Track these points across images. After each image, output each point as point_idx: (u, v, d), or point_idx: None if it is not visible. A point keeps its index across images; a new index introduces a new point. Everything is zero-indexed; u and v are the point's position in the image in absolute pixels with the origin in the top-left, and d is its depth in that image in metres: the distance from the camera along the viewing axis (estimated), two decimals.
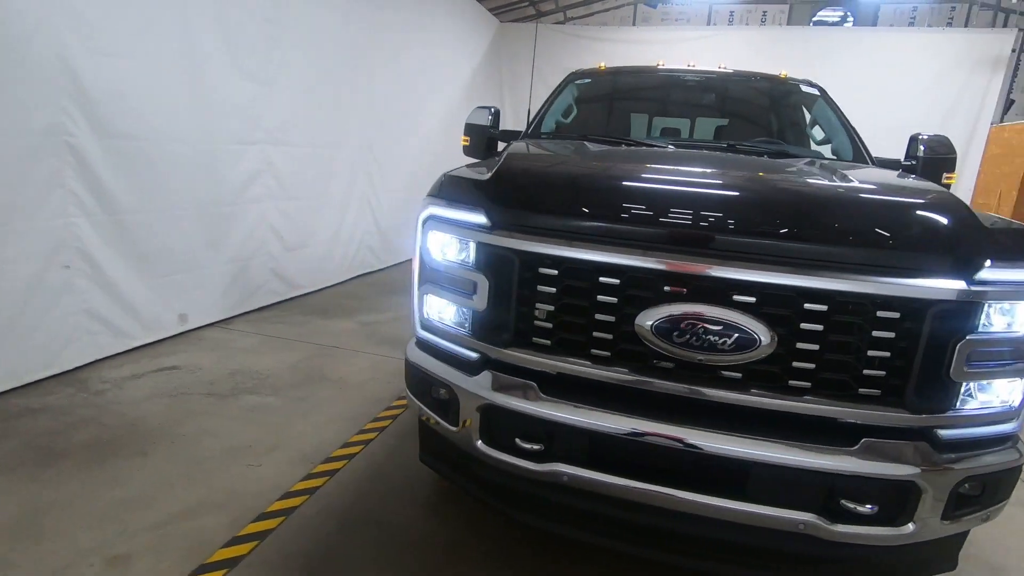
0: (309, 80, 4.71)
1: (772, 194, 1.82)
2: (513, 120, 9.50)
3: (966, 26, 10.26)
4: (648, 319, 1.47)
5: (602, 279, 1.52)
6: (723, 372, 1.50)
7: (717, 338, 1.43)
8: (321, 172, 5.10)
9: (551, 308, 1.60)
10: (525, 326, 1.64)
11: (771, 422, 1.51)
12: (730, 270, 1.41)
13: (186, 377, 3.22)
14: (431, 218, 1.81)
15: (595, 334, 1.56)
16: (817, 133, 3.04)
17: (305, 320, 4.38)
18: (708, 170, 2.06)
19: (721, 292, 1.43)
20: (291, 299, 4.86)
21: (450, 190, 1.84)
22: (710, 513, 1.52)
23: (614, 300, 1.53)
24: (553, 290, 1.58)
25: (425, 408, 1.90)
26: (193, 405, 2.91)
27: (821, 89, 3.10)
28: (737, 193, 1.76)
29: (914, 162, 2.72)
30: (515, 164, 2.07)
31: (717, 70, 3.29)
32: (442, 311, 1.84)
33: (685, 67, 3.34)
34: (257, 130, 4.25)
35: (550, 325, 1.61)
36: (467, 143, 3.25)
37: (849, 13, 10.74)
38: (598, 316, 1.55)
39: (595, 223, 1.55)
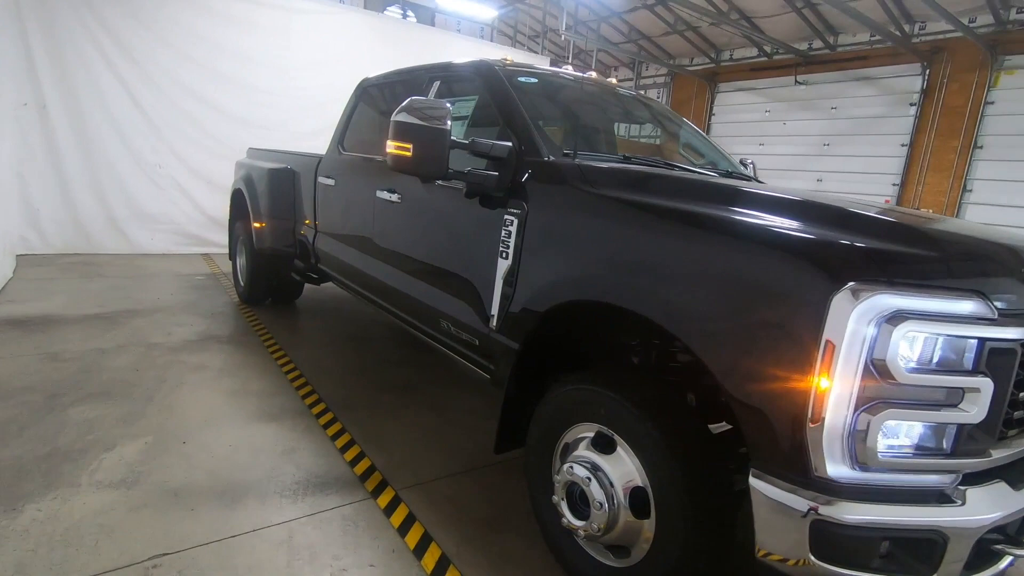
0: None
1: None
2: (62, 96, 6.08)
3: (492, 40, 12.89)
4: None
5: None
6: None
7: None
8: None
9: None
10: (1006, 422, 1.40)
11: None
12: None
13: None
14: (900, 315, 1.23)
15: None
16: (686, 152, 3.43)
17: None
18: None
19: None
20: None
21: (913, 268, 1.29)
22: None
23: None
24: None
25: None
26: None
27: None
28: None
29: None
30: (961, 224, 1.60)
31: (619, 85, 3.21)
32: (898, 435, 1.31)
33: (587, 75, 3.10)
34: None
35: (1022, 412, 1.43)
36: (408, 153, 2.18)
37: (412, 13, 11.75)
38: None
39: None
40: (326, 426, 2.94)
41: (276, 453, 2.64)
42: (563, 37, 8.76)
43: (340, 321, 4.94)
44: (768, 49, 10.24)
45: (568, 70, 3.03)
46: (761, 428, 1.40)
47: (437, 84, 2.96)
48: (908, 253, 1.34)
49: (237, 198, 5.05)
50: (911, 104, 8.62)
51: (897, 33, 8.19)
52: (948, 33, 8.19)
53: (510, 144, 2.26)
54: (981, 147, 7.96)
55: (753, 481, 1.40)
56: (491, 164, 2.29)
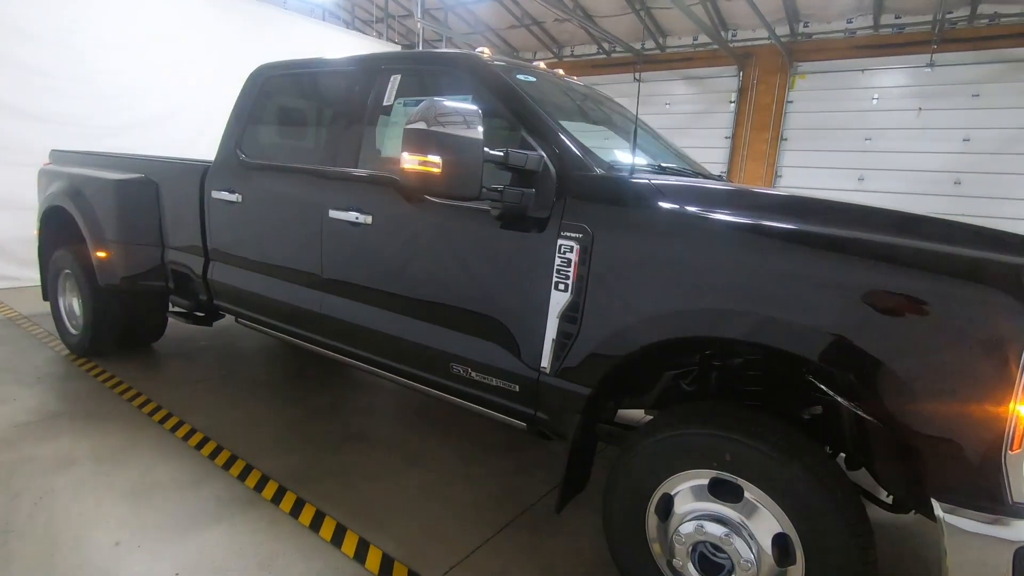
0: None
1: None
2: None
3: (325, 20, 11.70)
4: None
5: None
6: None
7: None
8: None
9: None
10: None
11: None
12: None
13: None
14: None
15: None
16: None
17: None
18: None
19: None
20: None
21: None
22: None
23: None
24: None
25: None
26: None
27: None
28: None
29: None
30: None
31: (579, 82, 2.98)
32: None
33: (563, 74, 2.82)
34: None
35: None
36: (436, 170, 1.78)
37: None
38: None
39: None
40: (295, 512, 2.32)
41: (251, 568, 1.98)
42: (419, 24, 8.27)
43: (227, 362, 4.03)
44: (607, 47, 10.88)
45: (541, 67, 2.74)
46: (950, 460, 1.34)
47: (397, 79, 2.45)
48: None
49: (56, 218, 3.81)
50: (730, 102, 9.85)
51: (716, 36, 9.25)
52: (755, 40, 9.49)
53: (543, 156, 1.93)
54: (786, 139, 9.41)
55: (945, 516, 1.34)
56: (519, 179, 1.95)
